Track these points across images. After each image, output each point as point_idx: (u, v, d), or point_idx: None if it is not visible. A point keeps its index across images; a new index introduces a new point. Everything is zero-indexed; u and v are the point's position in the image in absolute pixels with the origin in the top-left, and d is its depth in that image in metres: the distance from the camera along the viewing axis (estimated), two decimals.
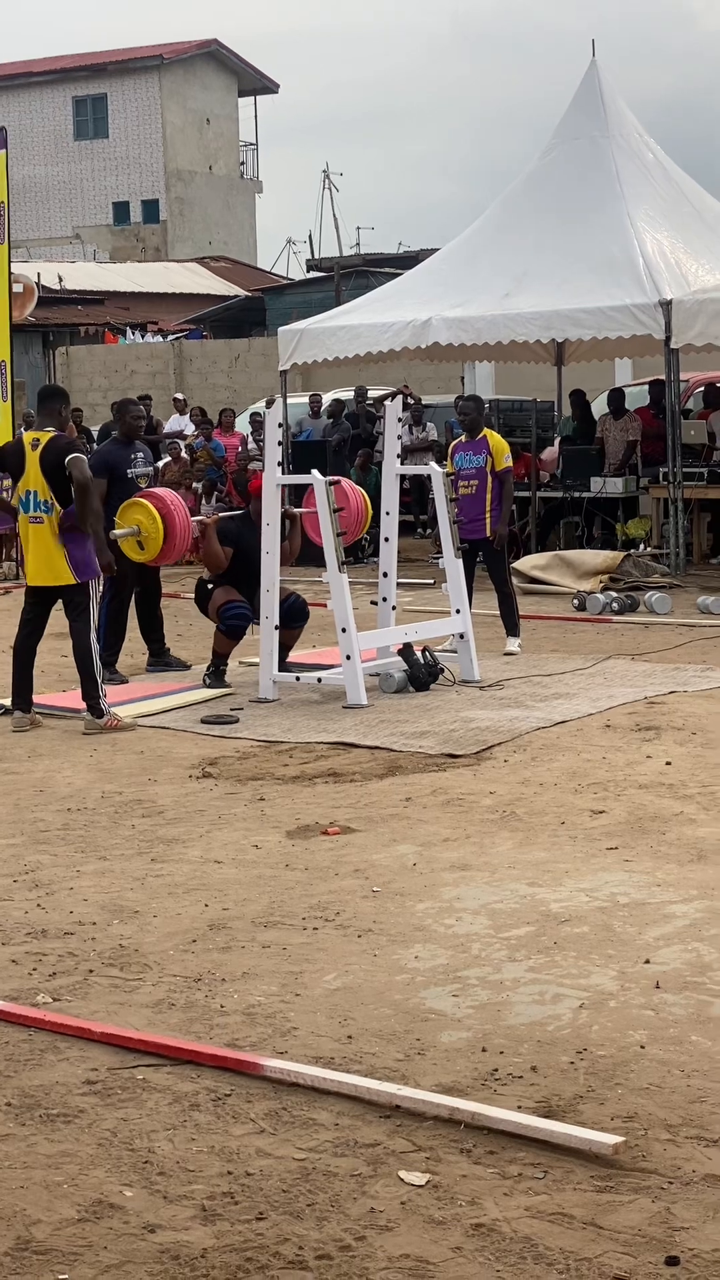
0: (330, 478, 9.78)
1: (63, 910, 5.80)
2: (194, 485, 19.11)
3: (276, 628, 9.71)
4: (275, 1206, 3.60)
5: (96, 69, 51.39)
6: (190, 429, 21.21)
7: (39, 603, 9.37)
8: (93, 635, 9.12)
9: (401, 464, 11.19)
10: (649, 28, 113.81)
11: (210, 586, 10.23)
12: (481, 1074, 4.25)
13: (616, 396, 17.39)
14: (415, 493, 19.20)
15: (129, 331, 35.19)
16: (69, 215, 51.36)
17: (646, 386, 18.08)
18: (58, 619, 9.40)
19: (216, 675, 10.16)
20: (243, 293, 40.09)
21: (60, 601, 9.25)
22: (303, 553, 10.61)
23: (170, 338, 34.18)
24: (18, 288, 19.54)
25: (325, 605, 9.83)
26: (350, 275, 31.70)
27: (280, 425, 10.16)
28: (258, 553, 9.74)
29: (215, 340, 33.24)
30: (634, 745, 8.10)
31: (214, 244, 51.25)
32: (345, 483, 10.76)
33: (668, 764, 7.67)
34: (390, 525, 10.62)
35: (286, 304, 32.63)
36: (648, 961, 5.03)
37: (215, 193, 52.94)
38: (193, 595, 10.80)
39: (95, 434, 21.17)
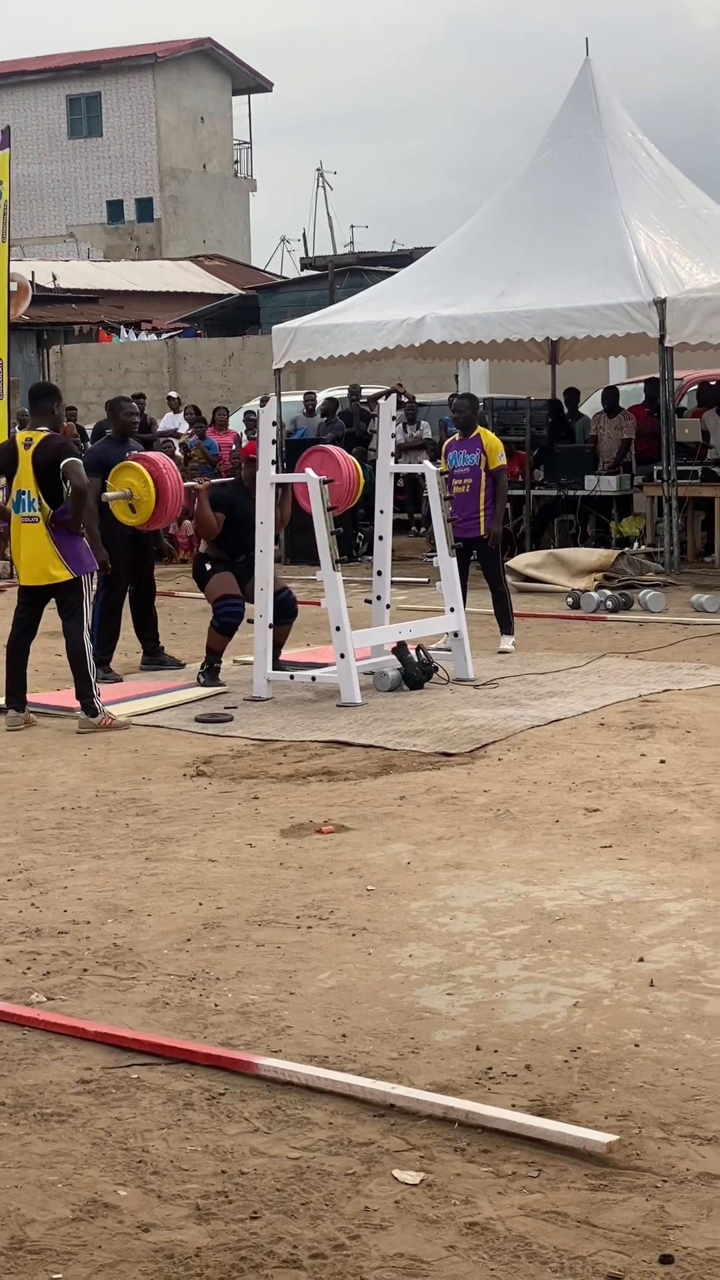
0: (323, 477, 9.77)
1: (57, 909, 5.79)
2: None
3: (270, 626, 9.71)
4: (269, 1205, 3.60)
5: (90, 67, 51.38)
6: (184, 427, 21.19)
7: (32, 602, 9.35)
8: (86, 634, 9.10)
9: (396, 462, 11.20)
10: (644, 27, 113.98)
11: (208, 567, 10.23)
12: (476, 1072, 4.25)
13: (611, 395, 17.41)
14: (409, 491, 19.21)
15: (123, 330, 35.13)
16: (63, 214, 51.34)
17: (641, 385, 18.10)
18: (51, 617, 9.39)
19: (210, 673, 10.15)
20: (237, 291, 40.02)
21: (53, 601, 9.25)
22: (297, 551, 10.60)
23: (164, 336, 34.13)
24: (12, 286, 19.51)
25: (319, 604, 9.82)
26: (344, 274, 31.65)
27: (274, 423, 10.14)
28: (250, 519, 9.74)
29: (209, 339, 33.20)
30: (628, 743, 8.10)
31: (208, 242, 51.25)
32: (335, 451, 10.73)
33: (662, 762, 7.67)
34: (384, 524, 10.64)
35: (281, 302, 32.59)
36: (642, 960, 5.03)
37: (209, 191, 52.95)
38: (190, 594, 10.79)
39: (90, 432, 21.17)
